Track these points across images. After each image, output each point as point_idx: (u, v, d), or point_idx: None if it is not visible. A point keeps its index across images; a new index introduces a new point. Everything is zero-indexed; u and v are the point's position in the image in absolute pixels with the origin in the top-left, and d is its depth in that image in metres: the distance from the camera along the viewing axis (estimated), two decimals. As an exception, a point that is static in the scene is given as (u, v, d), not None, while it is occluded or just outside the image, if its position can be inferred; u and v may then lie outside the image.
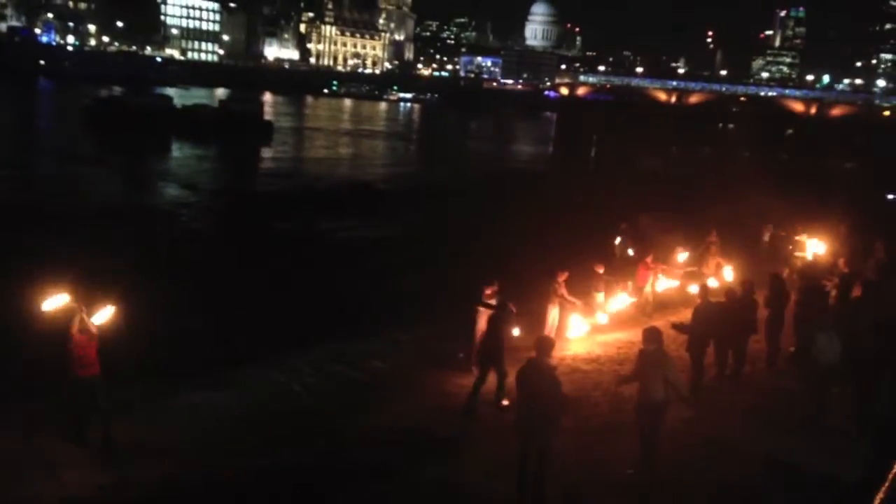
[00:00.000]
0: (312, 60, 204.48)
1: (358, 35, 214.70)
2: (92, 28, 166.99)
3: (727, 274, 16.82)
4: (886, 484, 5.91)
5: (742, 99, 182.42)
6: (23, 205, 28.30)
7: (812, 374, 10.62)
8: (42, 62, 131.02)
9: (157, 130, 56.71)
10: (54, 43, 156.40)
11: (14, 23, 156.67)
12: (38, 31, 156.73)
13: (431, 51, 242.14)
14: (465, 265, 18.41)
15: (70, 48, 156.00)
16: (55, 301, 9.43)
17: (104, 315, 9.61)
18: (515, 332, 12.29)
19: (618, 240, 19.51)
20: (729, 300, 12.42)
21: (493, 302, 12.30)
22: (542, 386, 8.19)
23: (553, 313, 14.39)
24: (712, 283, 15.50)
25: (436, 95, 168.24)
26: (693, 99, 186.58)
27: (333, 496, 8.75)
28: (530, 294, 14.57)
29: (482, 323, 12.34)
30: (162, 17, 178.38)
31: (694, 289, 15.41)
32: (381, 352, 13.98)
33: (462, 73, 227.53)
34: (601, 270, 15.79)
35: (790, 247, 20.12)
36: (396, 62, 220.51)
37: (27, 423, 9.91)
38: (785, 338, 13.34)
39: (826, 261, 17.46)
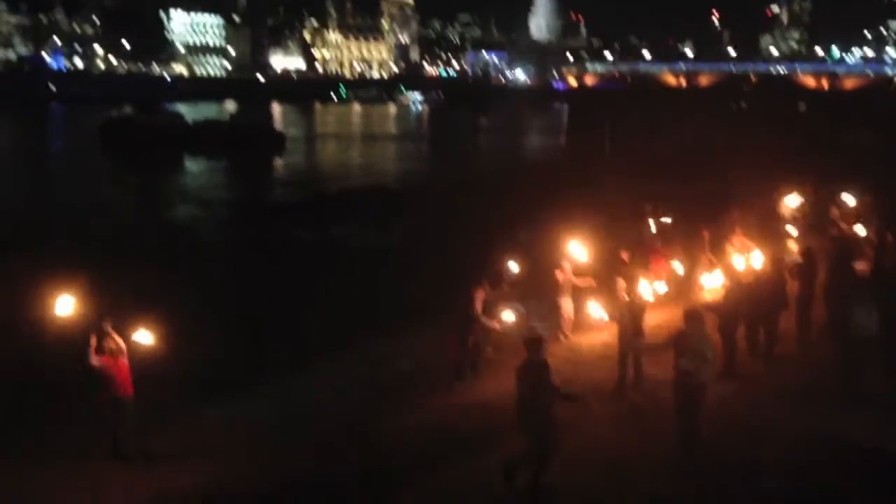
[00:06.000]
0: (319, 68, 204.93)
1: (363, 39, 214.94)
2: (99, 50, 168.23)
3: (755, 258, 14.10)
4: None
5: (753, 79, 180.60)
6: (44, 225, 28.43)
7: (850, 347, 10.49)
8: (53, 87, 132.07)
9: (169, 147, 57.00)
10: (64, 68, 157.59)
11: (21, 50, 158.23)
12: (46, 56, 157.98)
13: (437, 49, 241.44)
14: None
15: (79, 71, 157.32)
16: (65, 305, 9.42)
17: (144, 337, 9.63)
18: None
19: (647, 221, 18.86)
20: (758, 278, 12.28)
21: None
22: (542, 382, 8.15)
23: (566, 305, 14.12)
24: (737, 262, 15.13)
25: (440, 93, 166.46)
26: (703, 80, 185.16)
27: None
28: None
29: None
30: (167, 35, 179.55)
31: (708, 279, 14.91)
32: (406, 351, 13.92)
33: (469, 71, 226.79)
34: (626, 257, 15.50)
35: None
36: (403, 64, 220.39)
37: (71, 446, 9.99)
38: (815, 311, 13.20)
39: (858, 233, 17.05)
